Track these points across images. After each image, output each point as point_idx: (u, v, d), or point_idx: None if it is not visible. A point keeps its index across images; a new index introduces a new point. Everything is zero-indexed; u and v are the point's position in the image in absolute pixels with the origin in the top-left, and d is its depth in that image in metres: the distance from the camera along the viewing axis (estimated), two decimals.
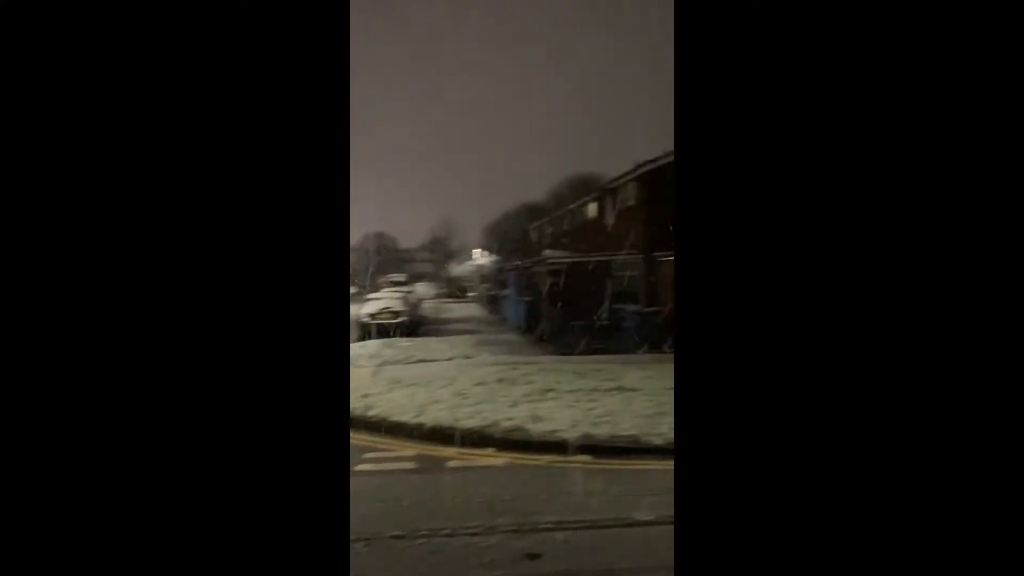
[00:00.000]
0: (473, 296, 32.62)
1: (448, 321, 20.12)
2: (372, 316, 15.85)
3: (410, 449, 5.76)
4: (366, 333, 15.26)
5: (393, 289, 22.65)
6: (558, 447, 5.51)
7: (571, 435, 5.67)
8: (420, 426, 6.16)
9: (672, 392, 3.26)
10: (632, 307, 12.41)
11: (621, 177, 17.40)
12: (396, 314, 15.92)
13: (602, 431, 5.77)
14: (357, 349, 12.45)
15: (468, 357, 11.25)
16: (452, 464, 5.30)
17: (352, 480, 4.86)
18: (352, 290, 42.86)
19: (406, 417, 6.44)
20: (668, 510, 3.64)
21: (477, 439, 5.79)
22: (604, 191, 20.60)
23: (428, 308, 23.13)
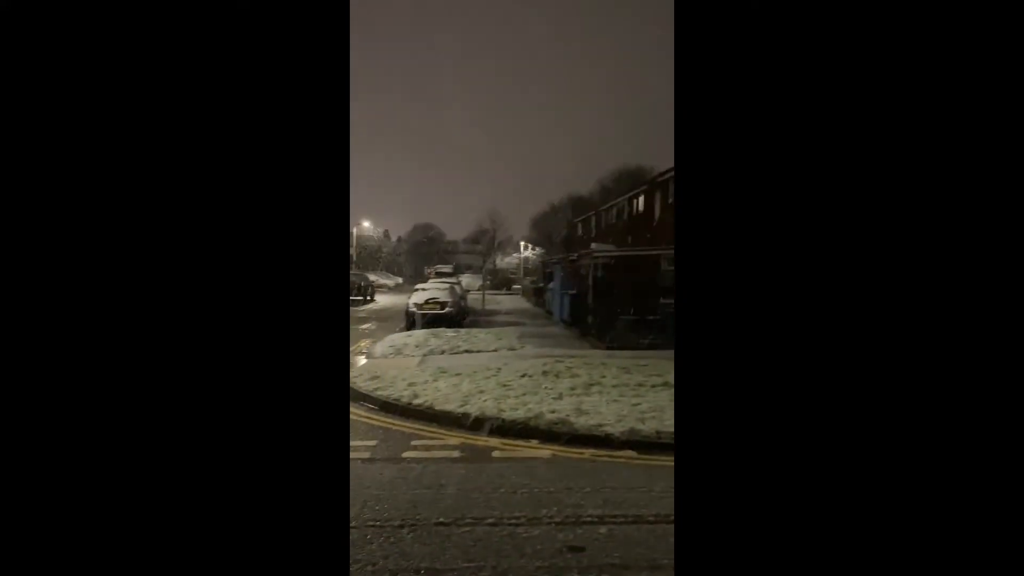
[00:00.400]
0: (518, 288, 32.65)
1: (493, 313, 20.20)
2: (419, 306, 16.07)
3: (455, 438, 5.82)
4: (413, 323, 15.48)
5: (439, 280, 22.89)
6: (603, 441, 5.47)
7: (616, 430, 5.61)
8: (465, 415, 6.21)
9: None
10: None
11: (670, 170, 17.07)
12: (442, 304, 16.09)
13: (647, 427, 5.69)
14: (403, 338, 12.62)
15: (513, 349, 11.28)
16: (496, 454, 5.33)
17: (398, 466, 4.98)
18: (399, 280, 43.60)
19: (451, 406, 6.50)
20: None
21: (522, 430, 5.80)
22: (652, 184, 20.26)
23: (474, 299, 23.28)
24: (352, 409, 6.99)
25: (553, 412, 6.15)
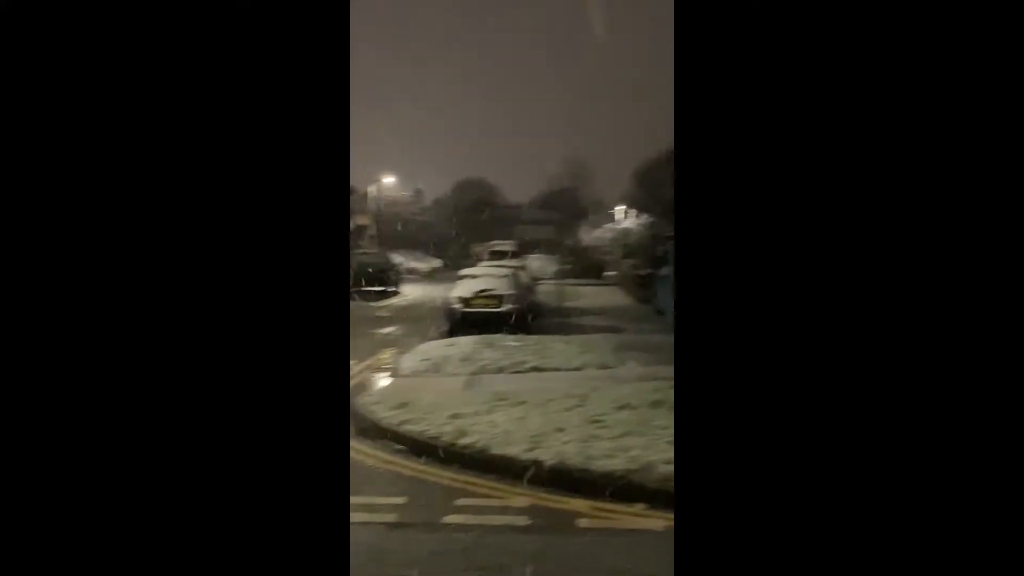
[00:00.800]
0: (614, 276, 32.53)
1: (577, 312, 20.21)
2: (465, 301, 16.24)
3: (521, 497, 5.91)
4: (456, 325, 15.67)
5: (496, 263, 23.07)
6: None
7: None
8: (535, 464, 6.29)
9: None
10: None
11: None
12: (499, 299, 16.22)
13: None
14: (443, 348, 12.82)
15: (607, 367, 11.26)
16: (583, 523, 5.37)
17: (438, 536, 5.09)
18: (436, 263, 44.17)
19: (515, 450, 6.59)
20: None
21: (622, 488, 5.82)
22: None
23: (546, 292, 23.37)
24: (369, 450, 7.20)
25: (670, 463, 6.11)
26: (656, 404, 8.35)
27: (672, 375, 7.75)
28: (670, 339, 11.94)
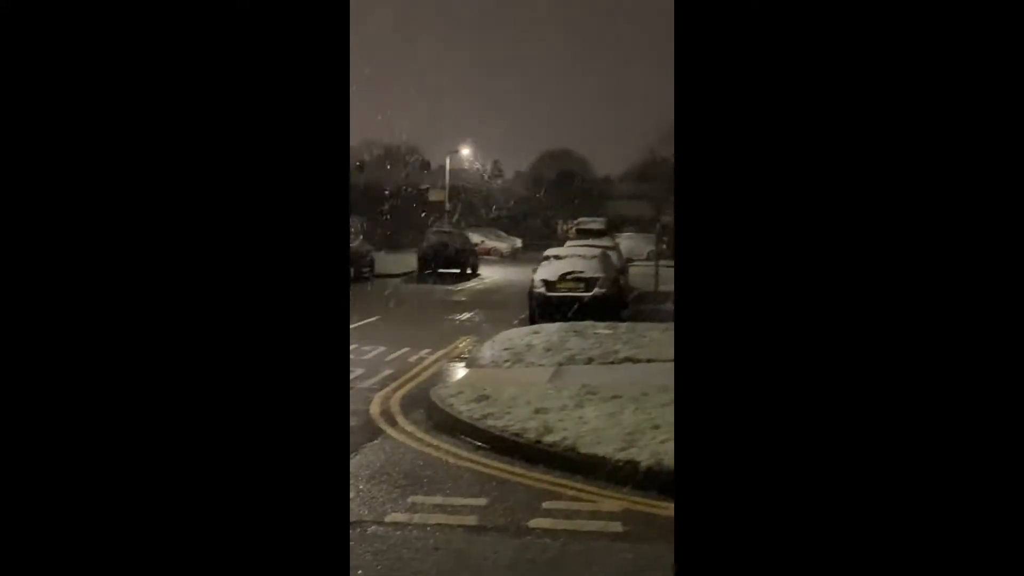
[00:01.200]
0: None
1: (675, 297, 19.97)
2: (550, 284, 16.16)
3: (613, 500, 5.90)
4: (541, 311, 15.68)
5: (584, 243, 22.98)
6: None
7: None
8: (630, 465, 6.27)
9: None
10: None
11: None
12: (588, 282, 16.13)
13: None
14: (526, 336, 12.85)
15: None
16: None
17: (521, 541, 5.14)
18: (517, 243, 44.18)
19: (607, 449, 6.58)
20: None
21: None
22: None
23: (640, 274, 23.19)
24: (447, 446, 7.28)
25: None
26: None
27: None
28: None
